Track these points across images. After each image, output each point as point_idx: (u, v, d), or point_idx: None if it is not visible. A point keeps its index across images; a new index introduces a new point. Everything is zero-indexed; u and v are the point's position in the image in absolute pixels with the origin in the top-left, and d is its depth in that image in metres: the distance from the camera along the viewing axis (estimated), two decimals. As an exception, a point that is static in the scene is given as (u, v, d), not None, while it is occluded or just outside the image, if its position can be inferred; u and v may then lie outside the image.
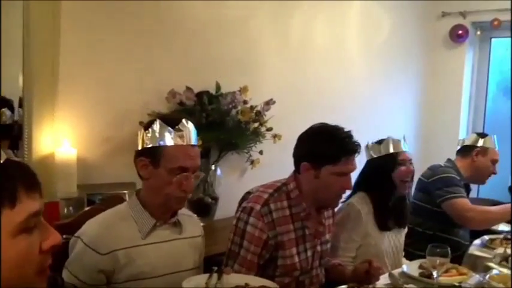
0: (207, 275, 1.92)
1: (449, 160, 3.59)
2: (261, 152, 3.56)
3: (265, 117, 3.49)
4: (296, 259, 2.26)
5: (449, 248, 2.20)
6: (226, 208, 3.40)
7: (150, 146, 1.93)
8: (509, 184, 4.02)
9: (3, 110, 2.91)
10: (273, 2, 3.90)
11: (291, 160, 2.35)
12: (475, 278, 2.40)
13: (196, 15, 3.42)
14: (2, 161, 0.99)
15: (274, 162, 3.37)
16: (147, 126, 1.96)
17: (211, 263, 2.21)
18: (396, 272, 2.49)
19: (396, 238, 2.84)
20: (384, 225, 2.74)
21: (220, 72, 3.51)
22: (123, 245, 1.90)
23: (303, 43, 4.20)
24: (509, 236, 3.26)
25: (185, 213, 2.15)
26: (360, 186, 2.82)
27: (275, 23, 3.98)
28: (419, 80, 5.50)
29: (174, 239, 2.04)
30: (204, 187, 3.35)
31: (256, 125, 3.46)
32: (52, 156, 2.80)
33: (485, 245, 3.14)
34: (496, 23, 5.02)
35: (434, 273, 2.21)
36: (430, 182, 3.36)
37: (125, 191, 2.96)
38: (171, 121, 1.95)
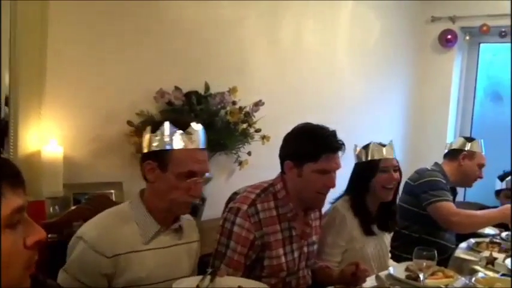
0: (199, 277, 1.88)
1: (436, 164, 3.60)
2: (249, 153, 3.56)
3: (254, 118, 3.49)
4: (283, 260, 2.26)
5: (436, 251, 2.21)
6: (214, 209, 3.38)
7: (158, 149, 1.86)
8: (496, 188, 4.03)
9: (-11, 108, 2.89)
10: (263, 3, 3.90)
11: (279, 161, 2.35)
12: (461, 280, 2.41)
13: (186, 15, 3.41)
14: None
15: (262, 163, 3.36)
16: (155, 127, 1.88)
17: (199, 264, 2.20)
18: (383, 274, 2.49)
19: (382, 241, 2.84)
20: (367, 230, 2.74)
21: (209, 72, 3.50)
22: (124, 249, 1.83)
23: (293, 45, 4.21)
24: (495, 240, 3.28)
25: (185, 217, 2.08)
26: (346, 189, 2.82)
27: (265, 25, 3.98)
28: (408, 83, 5.52)
29: (173, 245, 1.97)
30: (192, 188, 3.33)
31: (244, 126, 3.45)
32: (38, 154, 2.77)
33: (471, 248, 3.16)
34: (484, 28, 5.06)
35: (421, 276, 2.22)
36: (417, 185, 3.37)
37: (112, 191, 2.96)
38: (181, 123, 1.89)
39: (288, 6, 4.08)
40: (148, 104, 3.15)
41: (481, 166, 3.53)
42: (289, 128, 2.37)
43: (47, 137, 2.79)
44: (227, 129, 3.37)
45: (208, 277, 1.88)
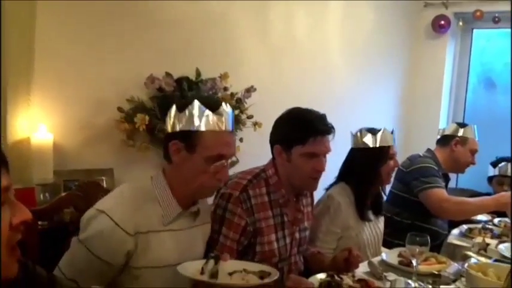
0: (203, 261, 1.84)
1: (428, 150, 3.59)
2: (241, 140, 3.53)
3: (245, 104, 3.46)
4: (275, 246, 2.25)
5: (429, 237, 2.20)
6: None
7: (185, 129, 1.79)
8: (488, 174, 4.03)
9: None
10: (255, -10, 3.86)
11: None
12: (454, 266, 2.41)
13: (177, 2, 3.36)
14: None
15: (254, 150, 3.34)
16: (182, 107, 1.80)
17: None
18: (375, 260, 2.49)
19: (376, 227, 2.84)
20: (364, 215, 2.74)
21: (200, 58, 3.47)
22: (147, 229, 1.77)
23: (285, 33, 4.17)
24: (487, 226, 3.28)
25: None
26: (342, 176, 2.80)
27: (257, 11, 3.94)
28: (401, 70, 5.50)
29: (189, 227, 1.93)
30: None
31: (236, 112, 3.42)
32: (28, 141, 2.74)
33: (463, 235, 3.17)
34: (478, 14, 5.03)
35: (414, 262, 2.21)
36: (408, 172, 3.36)
37: (103, 177, 2.94)
38: (211, 104, 1.82)
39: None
40: (139, 90, 3.12)
41: (473, 152, 3.53)
42: (281, 115, 2.35)
43: (36, 124, 2.75)
44: (219, 116, 3.33)
45: (212, 261, 1.85)
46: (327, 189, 2.77)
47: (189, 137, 1.79)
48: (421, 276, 2.20)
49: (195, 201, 1.94)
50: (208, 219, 2.11)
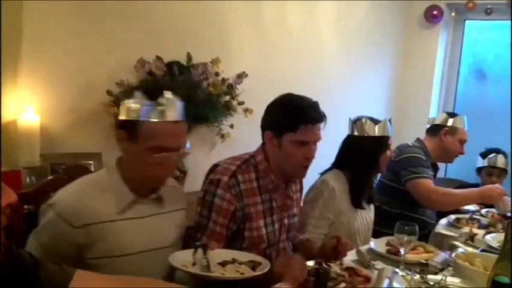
0: (191, 251, 1.85)
1: (418, 139, 3.60)
2: (231, 126, 3.52)
3: (237, 90, 3.44)
4: (263, 231, 2.24)
5: (417, 226, 2.20)
6: (195, 182, 3.35)
7: (128, 119, 1.76)
8: (477, 165, 4.04)
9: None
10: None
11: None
12: (441, 256, 2.41)
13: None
14: None
15: (244, 136, 3.33)
16: (130, 95, 1.79)
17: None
18: (363, 248, 2.49)
19: (368, 215, 2.85)
20: (358, 203, 2.75)
21: (192, 43, 3.44)
22: (97, 220, 1.75)
23: (277, 19, 4.15)
24: (474, 216, 3.29)
25: (168, 185, 1.99)
26: (338, 163, 2.80)
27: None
28: (393, 59, 5.49)
29: (153, 214, 1.91)
30: (173, 160, 3.29)
31: (227, 98, 3.41)
32: (14, 123, 2.71)
33: (451, 224, 3.18)
34: (470, 5, 5.03)
35: (402, 251, 2.21)
36: (397, 162, 3.36)
37: (90, 162, 2.91)
38: (153, 93, 1.76)
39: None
40: (129, 74, 3.09)
41: (462, 142, 3.53)
42: (272, 102, 2.33)
43: (23, 106, 2.72)
44: (209, 101, 3.31)
45: (200, 250, 1.85)
46: (322, 174, 2.76)
47: (132, 127, 1.76)
48: (408, 265, 2.20)
49: (156, 189, 1.92)
50: (182, 206, 2.07)
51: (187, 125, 3.26)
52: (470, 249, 2.57)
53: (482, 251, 2.48)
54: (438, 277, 2.04)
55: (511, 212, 3.26)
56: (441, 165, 4.67)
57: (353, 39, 4.90)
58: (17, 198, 1.06)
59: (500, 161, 3.90)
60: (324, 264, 2.08)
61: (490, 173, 3.91)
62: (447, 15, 5.34)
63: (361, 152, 2.74)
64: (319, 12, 4.52)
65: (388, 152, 2.81)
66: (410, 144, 3.49)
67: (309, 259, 2.18)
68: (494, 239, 2.67)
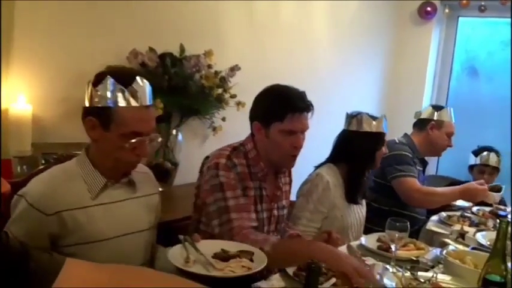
0: (178, 246, 1.85)
1: (405, 135, 3.59)
2: (223, 119, 3.50)
3: (229, 83, 3.42)
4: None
5: (408, 223, 2.20)
6: (186, 174, 3.35)
7: (99, 105, 1.75)
8: (469, 163, 4.05)
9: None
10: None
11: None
12: (432, 253, 2.42)
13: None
14: None
15: (236, 129, 3.29)
16: (97, 81, 1.76)
17: (169, 231, 2.16)
18: (354, 244, 2.49)
19: (360, 211, 2.86)
20: (353, 198, 2.76)
21: (185, 34, 3.41)
22: (70, 206, 1.75)
23: (270, 12, 4.13)
24: (466, 214, 3.29)
25: (140, 171, 2.01)
26: (333, 157, 2.79)
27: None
28: (385, 54, 5.49)
29: (126, 198, 1.92)
30: (164, 152, 3.28)
31: (220, 91, 3.38)
32: (6, 112, 2.67)
33: (442, 222, 3.18)
34: (464, 2, 5.05)
35: (393, 247, 2.21)
36: (384, 159, 3.35)
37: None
38: (124, 79, 1.76)
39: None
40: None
41: (449, 135, 3.53)
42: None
43: (15, 94, 2.69)
44: (202, 94, 3.29)
45: (188, 244, 1.84)
46: (317, 167, 2.76)
47: (103, 114, 1.76)
48: (399, 262, 2.20)
49: (127, 172, 1.93)
50: (155, 191, 2.08)
51: (179, 116, 3.28)
52: (460, 247, 2.57)
53: (473, 249, 2.48)
54: (429, 274, 2.03)
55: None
56: (433, 163, 4.68)
57: (346, 34, 4.89)
58: (10, 187, 1.04)
59: (493, 159, 3.91)
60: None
61: (482, 171, 3.92)
62: (441, 11, 5.35)
63: (359, 147, 2.75)
64: (312, 6, 4.50)
65: (384, 149, 2.82)
66: (397, 141, 3.48)
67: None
68: (485, 237, 2.67)
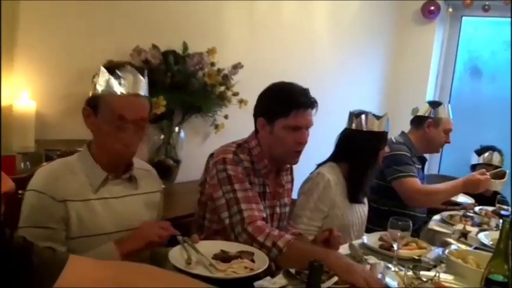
0: (178, 247, 1.84)
1: (402, 133, 3.57)
2: (226, 117, 3.50)
3: (232, 81, 3.41)
4: None
5: (411, 222, 2.19)
6: (188, 172, 3.35)
7: (92, 94, 1.84)
8: (472, 162, 4.03)
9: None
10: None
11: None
12: (434, 252, 2.41)
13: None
14: None
15: (238, 127, 3.29)
16: (95, 74, 1.86)
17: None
18: (356, 242, 2.48)
19: (362, 210, 2.84)
20: (355, 197, 2.75)
21: (188, 32, 3.41)
22: (73, 197, 1.79)
23: (271, 11, 4.13)
24: (468, 213, 3.28)
25: (142, 168, 2.05)
26: (335, 156, 2.78)
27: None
28: (387, 53, 5.48)
29: (127, 195, 1.94)
30: (166, 149, 3.28)
31: (222, 88, 3.38)
32: (10, 108, 2.68)
33: (444, 221, 3.17)
34: (468, 1, 5.03)
35: (395, 246, 2.21)
36: (383, 159, 3.34)
37: (84, 149, 2.88)
38: (113, 67, 1.82)
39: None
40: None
41: (447, 131, 3.50)
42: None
43: (19, 91, 2.69)
44: (204, 91, 3.29)
45: (187, 245, 1.83)
46: (319, 165, 2.76)
47: (94, 101, 1.83)
48: (401, 261, 2.20)
49: (128, 168, 1.95)
50: (157, 189, 2.10)
51: (181, 114, 3.27)
52: (463, 246, 2.56)
53: (476, 248, 2.47)
54: (431, 273, 2.02)
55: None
56: (435, 162, 4.67)
57: (347, 33, 4.88)
58: (14, 185, 1.04)
59: (496, 158, 3.89)
60: (318, 258, 2.07)
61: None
62: (444, 11, 5.34)
63: (363, 146, 2.73)
64: (313, 4, 4.50)
65: (386, 148, 2.81)
66: (394, 141, 3.44)
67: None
68: (488, 237, 2.66)
